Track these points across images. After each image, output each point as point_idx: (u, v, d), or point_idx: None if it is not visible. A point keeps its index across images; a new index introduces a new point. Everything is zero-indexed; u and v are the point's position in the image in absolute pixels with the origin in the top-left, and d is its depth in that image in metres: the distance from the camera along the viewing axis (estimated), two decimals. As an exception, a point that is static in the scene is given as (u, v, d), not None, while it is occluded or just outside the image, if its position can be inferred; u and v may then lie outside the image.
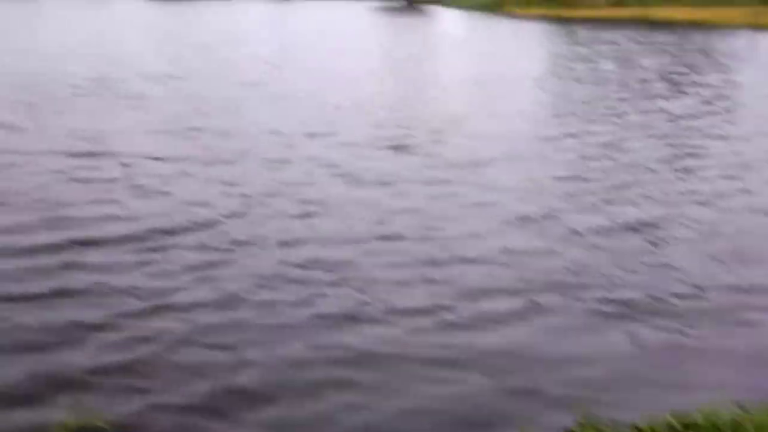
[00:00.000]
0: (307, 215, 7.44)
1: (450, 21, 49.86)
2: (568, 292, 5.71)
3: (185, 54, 23.50)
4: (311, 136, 11.24)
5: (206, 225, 7.04)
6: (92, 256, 6.18)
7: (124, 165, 9.20)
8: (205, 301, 5.42)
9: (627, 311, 5.40)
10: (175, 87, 16.24)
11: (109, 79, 16.75)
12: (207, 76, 17.98)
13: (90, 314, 5.13)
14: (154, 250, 6.36)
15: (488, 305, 5.46)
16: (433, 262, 6.24)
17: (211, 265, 6.09)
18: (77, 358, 4.55)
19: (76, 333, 4.88)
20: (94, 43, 27.35)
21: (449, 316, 5.27)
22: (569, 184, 8.90)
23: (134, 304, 5.32)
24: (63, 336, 4.83)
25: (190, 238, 6.68)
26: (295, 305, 5.39)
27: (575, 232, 7.08)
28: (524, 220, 7.45)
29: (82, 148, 10.00)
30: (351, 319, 5.21)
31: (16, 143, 10.31)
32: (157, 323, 5.06)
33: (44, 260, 6.02)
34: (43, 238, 6.53)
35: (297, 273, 5.95)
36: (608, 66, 22.55)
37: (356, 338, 4.95)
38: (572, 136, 11.78)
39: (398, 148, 10.62)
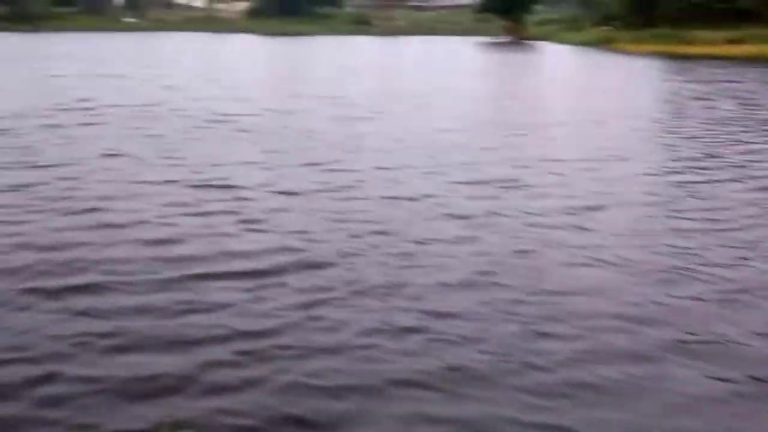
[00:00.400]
0: (416, 256, 7.29)
1: (559, 57, 49.15)
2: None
3: (299, 88, 24.23)
4: (426, 174, 11.10)
5: (315, 262, 7.01)
6: (204, 291, 6.24)
7: (239, 198, 9.38)
8: (311, 345, 5.34)
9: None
10: (289, 121, 16.63)
11: (227, 113, 17.42)
12: (322, 111, 18.30)
13: (193, 356, 5.12)
14: (264, 287, 6.36)
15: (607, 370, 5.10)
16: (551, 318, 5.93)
17: (319, 304, 6.04)
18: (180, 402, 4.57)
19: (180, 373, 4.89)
20: (213, 76, 28.75)
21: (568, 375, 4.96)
22: (691, 226, 8.34)
23: (239, 345, 5.30)
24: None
25: (299, 276, 6.65)
26: (400, 355, 5.23)
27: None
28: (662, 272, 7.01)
29: (199, 180, 10.32)
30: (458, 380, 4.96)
31: (139, 174, 10.78)
32: (262, 367, 5.01)
33: (159, 297, 6.13)
34: (162, 272, 6.68)
35: (405, 320, 5.77)
36: (728, 106, 21.41)
37: (466, 408, 4.60)
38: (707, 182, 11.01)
39: (517, 189, 10.27)
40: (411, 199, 9.51)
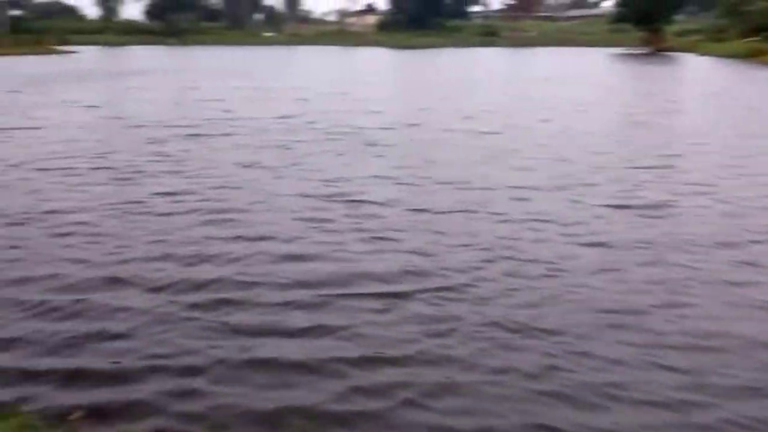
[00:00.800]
0: (549, 284, 6.95)
1: (705, 69, 46.39)
2: None
3: (428, 101, 24.25)
4: (559, 193, 10.68)
5: (442, 286, 6.85)
6: (330, 312, 6.25)
7: (367, 215, 9.39)
8: (431, 359, 5.29)
9: None
10: (418, 134, 16.66)
11: (358, 126, 17.68)
12: (451, 125, 18.16)
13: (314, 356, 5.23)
14: (388, 310, 6.29)
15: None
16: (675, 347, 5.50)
17: (440, 321, 5.96)
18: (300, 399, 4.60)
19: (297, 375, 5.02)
20: (343, 89, 29.38)
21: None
22: None
23: (357, 351, 5.36)
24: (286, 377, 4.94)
25: (425, 299, 6.53)
26: (524, 377, 5.05)
27: None
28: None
29: (329, 194, 10.46)
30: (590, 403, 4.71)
31: (273, 185, 11.09)
32: (381, 377, 5.03)
33: (287, 316, 6.19)
34: (290, 290, 6.78)
35: (532, 342, 5.58)
36: None
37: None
38: None
39: (665, 216, 9.49)
40: (544, 220, 9.14)
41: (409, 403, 4.74)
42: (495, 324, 5.91)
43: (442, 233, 8.54)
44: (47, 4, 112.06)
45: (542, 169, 12.50)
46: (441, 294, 6.58)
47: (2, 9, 76.30)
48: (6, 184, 11.11)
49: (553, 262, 7.46)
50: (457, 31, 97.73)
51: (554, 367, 5.20)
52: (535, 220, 9.15)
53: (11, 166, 12.52)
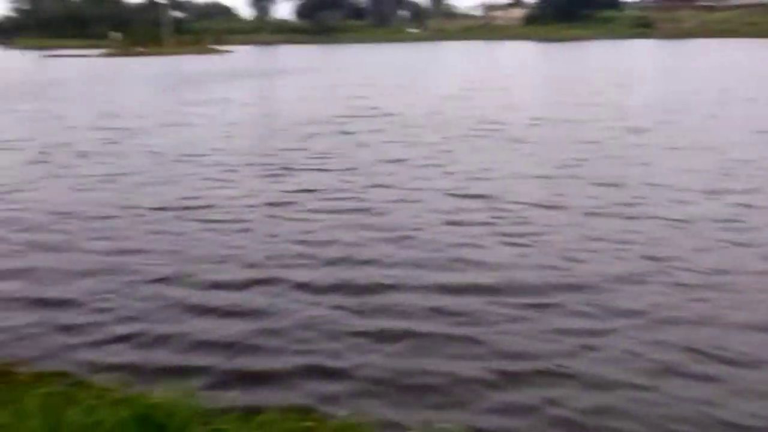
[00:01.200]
0: (701, 287, 6.41)
1: None
2: None
3: (575, 97, 23.32)
4: (714, 194, 9.87)
5: (584, 286, 6.50)
6: (470, 309, 6.07)
7: (506, 211, 9.12)
8: (588, 375, 4.93)
9: None
10: (564, 131, 16.02)
11: (502, 121, 17.32)
12: (600, 121, 17.33)
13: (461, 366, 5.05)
14: (528, 306, 6.07)
15: None
16: None
17: (592, 334, 5.55)
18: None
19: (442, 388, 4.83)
20: (488, 84, 28.92)
21: None
22: None
23: (501, 365, 5.11)
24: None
25: (565, 298, 6.20)
26: (688, 404, 4.57)
27: None
28: None
29: (468, 191, 10.27)
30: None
31: (414, 181, 11.00)
32: (538, 390, 4.75)
33: (431, 318, 6.04)
34: (426, 289, 6.65)
35: (690, 365, 5.07)
36: None
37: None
38: None
39: None
40: (697, 222, 8.46)
41: (559, 423, 4.42)
42: (658, 344, 5.37)
43: (592, 236, 8.07)
44: (206, 5, 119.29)
45: (706, 169, 11.55)
46: (593, 304, 6.16)
47: (166, 11, 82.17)
48: (167, 178, 11.79)
49: (719, 272, 6.82)
50: (608, 22, 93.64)
51: (734, 394, 4.67)
52: (693, 222, 8.47)
53: (172, 161, 13.27)
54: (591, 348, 5.34)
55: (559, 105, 21.30)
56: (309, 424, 3.77)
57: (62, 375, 4.79)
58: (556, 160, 12.58)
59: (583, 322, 5.78)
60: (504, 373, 4.99)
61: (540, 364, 5.09)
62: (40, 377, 4.71)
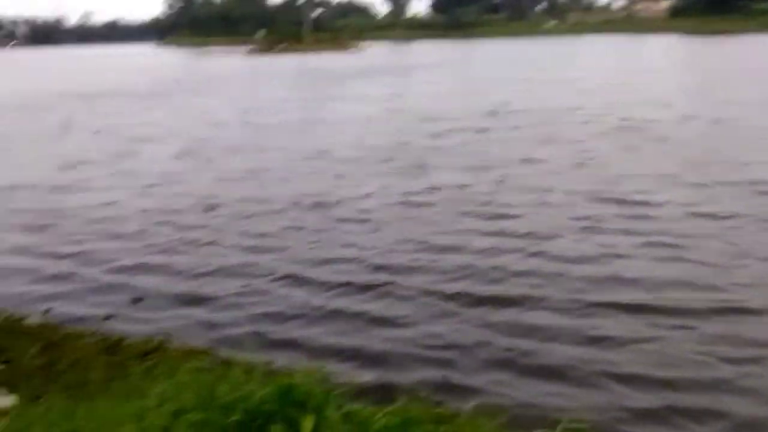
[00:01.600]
0: None
1: None
2: None
3: (726, 93, 21.87)
4: None
5: (726, 295, 6.20)
6: (605, 323, 5.95)
7: (648, 217, 8.76)
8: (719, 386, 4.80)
9: None
10: (715, 131, 15.16)
11: (644, 119, 16.60)
12: (754, 119, 16.26)
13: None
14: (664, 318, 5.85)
15: None
16: None
17: (733, 344, 5.32)
18: None
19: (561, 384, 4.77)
20: (629, 79, 27.71)
21: None
22: None
23: (628, 368, 5.03)
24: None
25: (708, 309, 5.93)
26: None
27: None
28: None
29: (606, 194, 9.91)
30: None
31: (547, 182, 10.84)
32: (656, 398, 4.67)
33: (552, 316, 5.99)
34: (554, 295, 6.59)
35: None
36: None
37: None
38: None
39: None
40: None
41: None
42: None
43: (734, 244, 7.63)
44: (344, 3, 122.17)
45: None
46: (734, 314, 5.88)
47: (307, 9, 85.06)
48: (303, 172, 12.31)
49: None
50: (765, 14, 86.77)
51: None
52: None
53: (306, 158, 13.74)
54: (733, 360, 5.11)
55: (711, 103, 19.96)
56: (442, 411, 3.88)
57: (208, 353, 5.20)
58: (705, 161, 11.88)
59: (724, 330, 5.55)
60: (633, 377, 4.95)
61: (685, 395, 4.84)
62: (190, 353, 5.13)
